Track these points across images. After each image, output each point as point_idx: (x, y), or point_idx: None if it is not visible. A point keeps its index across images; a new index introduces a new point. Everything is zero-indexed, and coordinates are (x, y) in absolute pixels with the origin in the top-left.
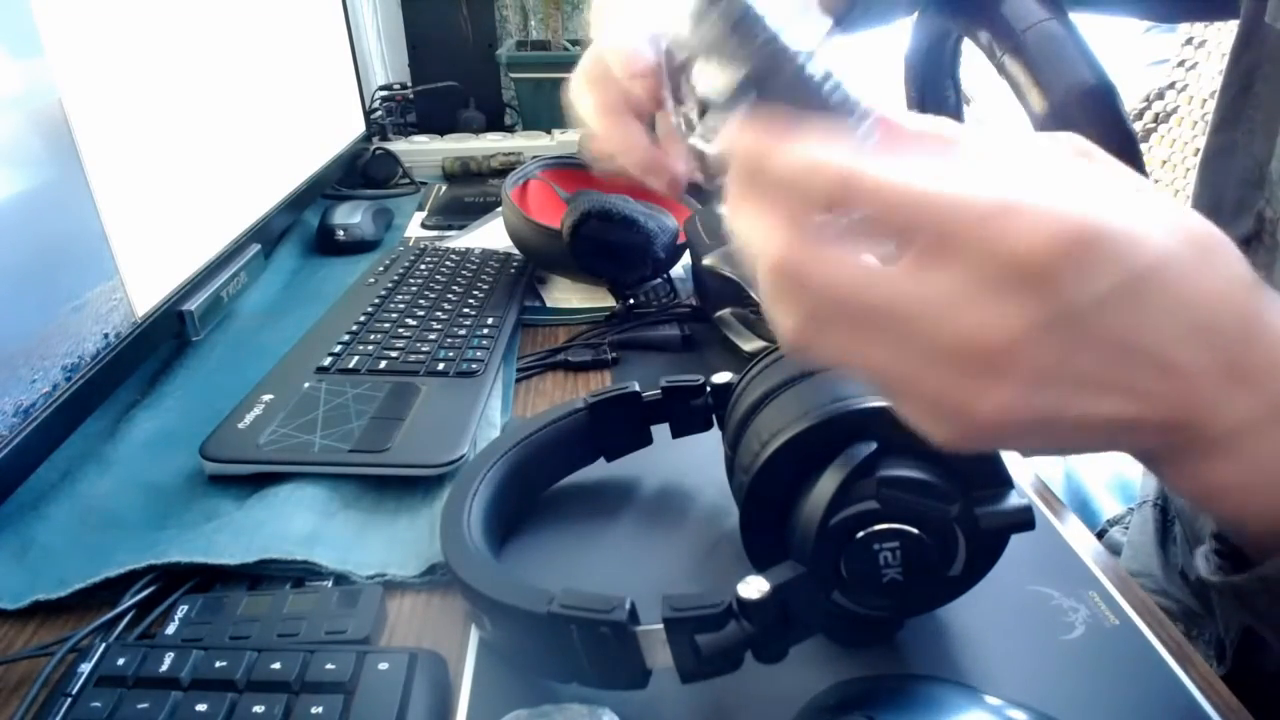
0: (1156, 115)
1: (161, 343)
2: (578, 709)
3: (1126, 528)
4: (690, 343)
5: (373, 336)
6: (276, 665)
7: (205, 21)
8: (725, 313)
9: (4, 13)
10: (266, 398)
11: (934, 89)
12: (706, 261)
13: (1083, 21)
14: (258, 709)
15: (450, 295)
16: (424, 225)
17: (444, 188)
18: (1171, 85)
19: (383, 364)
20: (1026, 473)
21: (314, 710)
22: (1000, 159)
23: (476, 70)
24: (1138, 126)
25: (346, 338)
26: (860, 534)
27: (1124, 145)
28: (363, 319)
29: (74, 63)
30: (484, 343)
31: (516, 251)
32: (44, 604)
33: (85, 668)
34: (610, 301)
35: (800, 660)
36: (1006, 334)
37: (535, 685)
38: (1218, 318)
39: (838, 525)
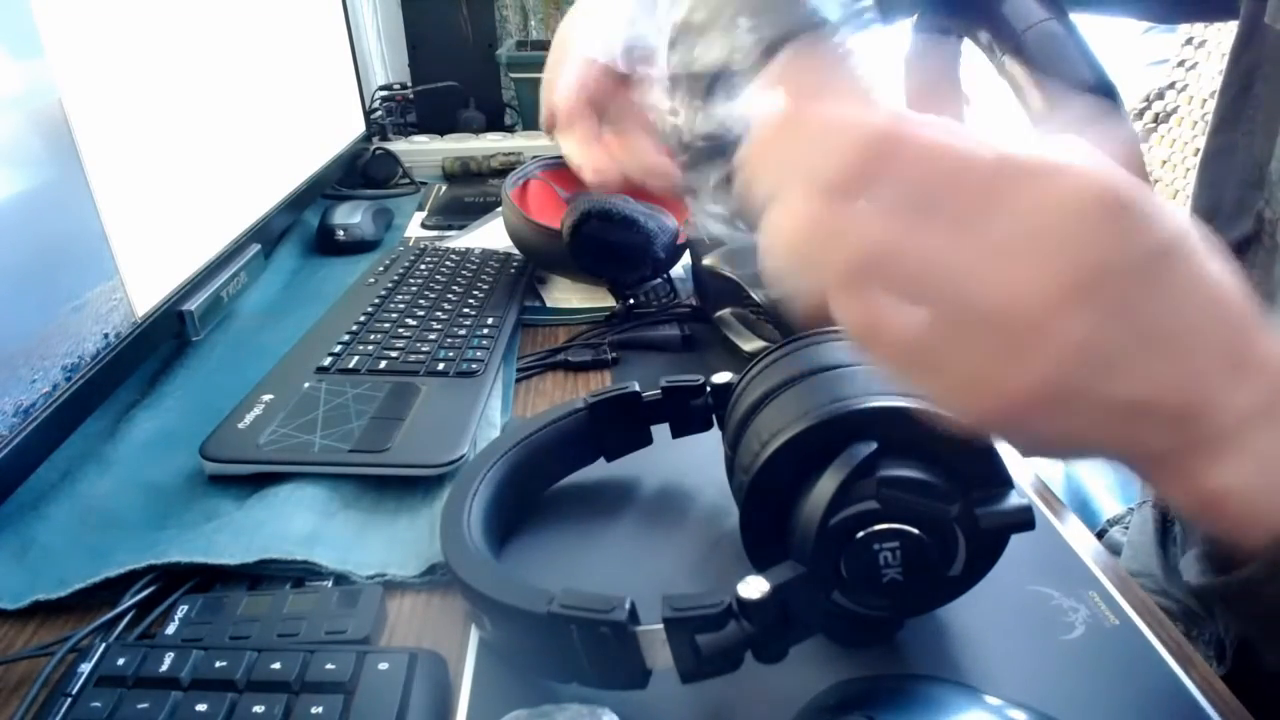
0: (1156, 115)
1: (161, 343)
2: (578, 709)
3: (1126, 528)
4: (690, 343)
5: (373, 336)
6: (276, 665)
7: (205, 21)
8: (725, 313)
9: (4, 13)
10: (266, 398)
11: (933, 89)
12: (706, 261)
13: (1083, 21)
14: (258, 709)
15: (450, 295)
16: (424, 225)
17: (444, 188)
18: (1171, 85)
19: (383, 364)
20: (1026, 473)
21: (314, 710)
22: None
23: (476, 70)
24: (1137, 126)
25: (346, 338)
26: (860, 534)
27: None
28: (363, 319)
29: (74, 63)
30: (484, 343)
31: (516, 251)
32: (44, 604)
33: (85, 668)
34: (610, 301)
35: (800, 660)
36: (1047, 296)
37: (535, 685)
38: (1222, 301)
39: (838, 525)
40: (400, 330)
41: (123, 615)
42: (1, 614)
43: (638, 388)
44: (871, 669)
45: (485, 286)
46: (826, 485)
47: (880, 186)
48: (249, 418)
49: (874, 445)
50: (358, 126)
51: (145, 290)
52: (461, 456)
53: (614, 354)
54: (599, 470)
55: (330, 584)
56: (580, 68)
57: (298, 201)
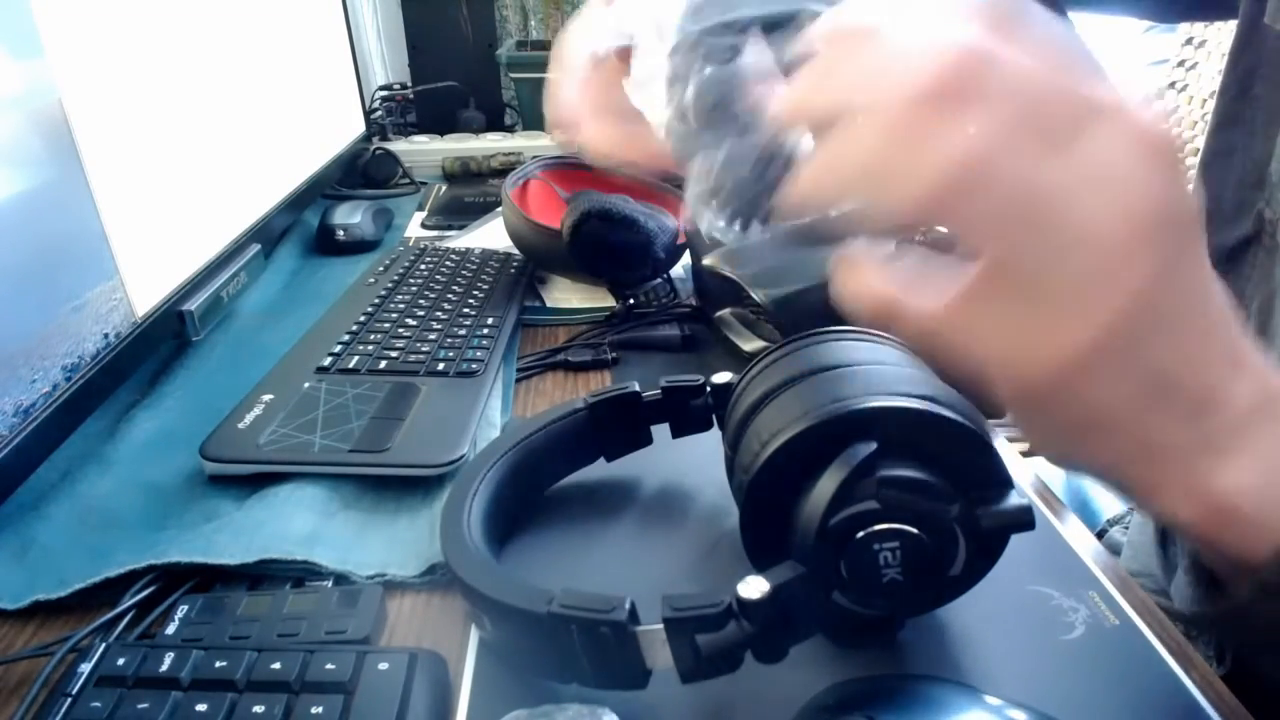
0: None
1: (161, 343)
2: (578, 709)
3: (1126, 528)
4: (690, 343)
5: (373, 336)
6: (276, 665)
7: (205, 21)
8: (725, 313)
9: (4, 13)
10: (266, 398)
11: None
12: (706, 261)
13: (1083, 21)
14: (258, 709)
15: (450, 295)
16: (424, 225)
17: (444, 188)
18: (1171, 85)
19: (383, 364)
20: (1026, 473)
21: (314, 710)
22: None
23: (476, 70)
24: None
25: (346, 338)
26: (860, 534)
27: None
28: (363, 319)
29: (74, 63)
30: (484, 343)
31: (516, 251)
32: (44, 604)
33: (85, 668)
34: (610, 301)
35: (800, 660)
36: (1127, 232)
37: (535, 685)
38: (1222, 294)
39: (838, 525)
40: (400, 330)
41: (123, 615)
42: (1, 614)
43: (638, 388)
44: (871, 669)
45: (485, 286)
46: (826, 485)
47: (972, 101)
48: (249, 418)
49: (874, 445)
50: (358, 126)
51: (145, 290)
52: (461, 456)
53: (614, 354)
54: (599, 470)
55: (330, 584)
56: (587, 62)
57: (298, 201)
